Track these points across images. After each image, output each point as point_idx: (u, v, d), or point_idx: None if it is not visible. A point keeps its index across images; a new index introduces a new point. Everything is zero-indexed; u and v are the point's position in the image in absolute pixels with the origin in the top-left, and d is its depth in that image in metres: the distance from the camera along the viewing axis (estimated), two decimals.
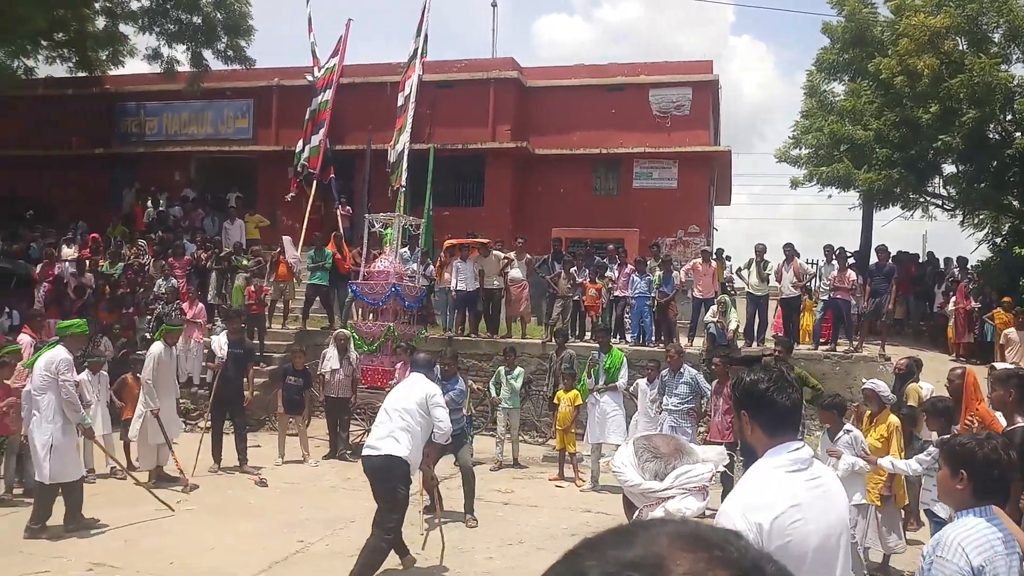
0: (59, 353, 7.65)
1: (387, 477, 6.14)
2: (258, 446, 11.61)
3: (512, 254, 14.80)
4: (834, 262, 13.76)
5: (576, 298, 14.32)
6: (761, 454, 2.50)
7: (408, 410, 6.24)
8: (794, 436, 2.52)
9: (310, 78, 19.76)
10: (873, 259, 15.49)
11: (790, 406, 2.50)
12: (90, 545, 7.24)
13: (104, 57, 21.34)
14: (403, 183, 15.51)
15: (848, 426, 6.83)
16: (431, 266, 15.08)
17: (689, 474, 2.10)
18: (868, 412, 7.40)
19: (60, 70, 21.82)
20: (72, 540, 7.34)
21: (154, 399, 9.73)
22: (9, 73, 19.15)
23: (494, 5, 29.88)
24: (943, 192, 20.23)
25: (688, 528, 0.82)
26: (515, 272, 14.59)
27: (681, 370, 9.72)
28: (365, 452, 6.28)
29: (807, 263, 15.16)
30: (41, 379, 7.53)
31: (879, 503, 6.84)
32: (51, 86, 22.82)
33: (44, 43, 19.69)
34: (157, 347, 10.03)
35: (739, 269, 14.54)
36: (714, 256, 15.17)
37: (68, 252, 16.03)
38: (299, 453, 11.09)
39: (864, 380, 8.02)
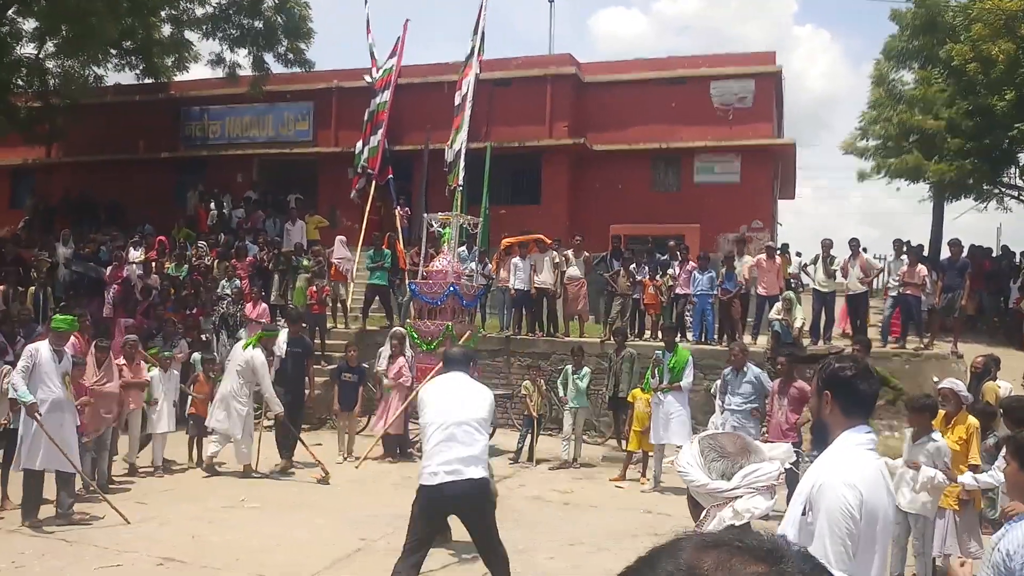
0: (37, 344, 8.02)
1: (482, 505, 5.20)
2: (319, 444, 11.75)
3: (569, 252, 14.70)
4: (904, 257, 13.34)
5: (636, 296, 14.15)
6: (836, 434, 2.73)
7: (482, 420, 5.20)
8: (866, 421, 2.75)
9: (368, 79, 19.95)
10: (945, 253, 14.96)
11: (869, 394, 2.76)
12: (160, 540, 7.40)
13: (170, 63, 21.92)
14: (460, 182, 15.55)
15: (935, 433, 6.52)
16: (489, 265, 15.08)
17: (756, 473, 2.09)
18: (943, 412, 7.10)
19: (128, 77, 22.52)
20: (142, 535, 7.51)
21: (276, 403, 10.13)
22: (82, 81, 19.76)
23: (551, 1, 29.74)
24: (1019, 183, 19.45)
25: (708, 537, 0.90)
26: (572, 270, 14.50)
27: (745, 369, 9.50)
28: (440, 480, 4.98)
29: (874, 258, 14.72)
30: None
31: (957, 507, 6.56)
32: (119, 93, 23.53)
33: (113, 52, 20.29)
34: (260, 355, 10.17)
35: (805, 265, 14.19)
36: (779, 251, 14.80)
37: (135, 254, 16.48)
38: (363, 449, 11.20)
39: (935, 378, 7.72)
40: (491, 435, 5.82)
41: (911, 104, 18.86)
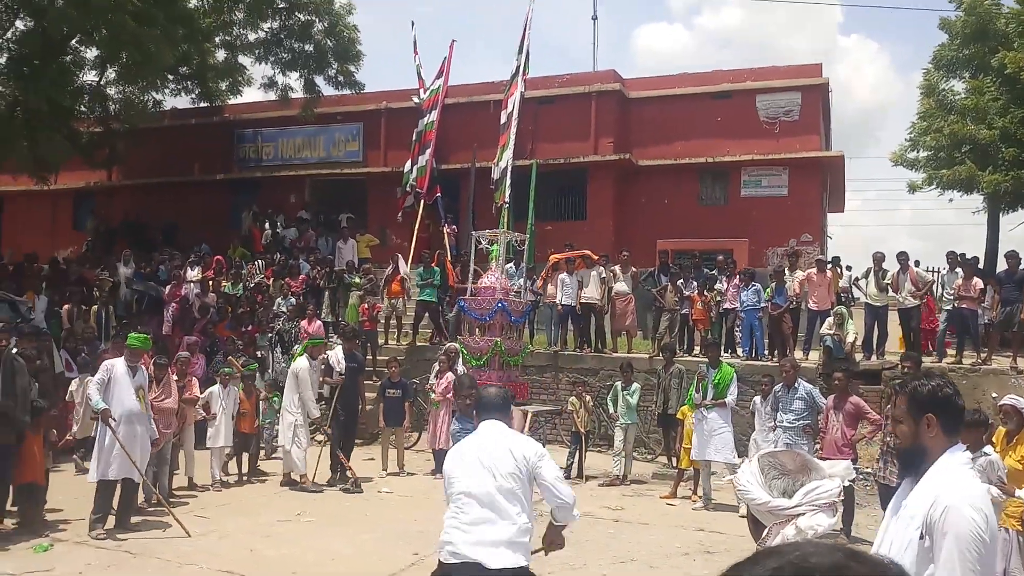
0: (113, 360, 8.44)
1: None
2: (371, 459, 11.94)
3: (616, 268, 14.73)
4: (958, 270, 13.08)
5: (684, 311, 14.11)
6: (937, 455, 2.63)
7: (509, 490, 3.99)
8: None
9: (416, 100, 20.29)
10: (1002, 265, 14.63)
11: (963, 408, 2.74)
12: (219, 553, 7.61)
13: (224, 87, 22.53)
14: (507, 199, 15.71)
15: (987, 448, 6.41)
16: (536, 281, 15.20)
17: (818, 490, 2.11)
18: (1004, 430, 6.97)
19: (184, 101, 23.23)
20: (203, 548, 7.73)
21: (314, 408, 10.61)
22: (141, 107, 20.44)
23: (594, 19, 30.05)
24: None
25: (822, 555, 0.87)
26: (620, 285, 14.52)
27: (796, 385, 9.42)
28: (454, 559, 3.98)
29: (926, 271, 14.46)
30: None
31: (1021, 528, 6.41)
32: (176, 117, 24.26)
33: (170, 77, 20.94)
34: (303, 361, 10.74)
35: (856, 279, 14.01)
36: (829, 265, 14.62)
37: (192, 274, 16.94)
38: (415, 465, 11.36)
39: (995, 395, 7.56)
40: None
41: (963, 114, 18.51)
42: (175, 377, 9.96)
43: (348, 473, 10.55)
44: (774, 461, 2.19)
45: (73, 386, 10.70)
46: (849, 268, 15.76)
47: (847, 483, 2.33)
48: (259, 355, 13.76)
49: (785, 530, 2.06)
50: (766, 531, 2.13)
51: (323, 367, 11.17)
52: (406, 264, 16.17)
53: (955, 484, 2.51)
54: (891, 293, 13.35)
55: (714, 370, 10.37)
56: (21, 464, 7.97)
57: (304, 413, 10.62)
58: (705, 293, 14.02)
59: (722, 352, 12.26)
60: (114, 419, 8.04)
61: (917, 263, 13.45)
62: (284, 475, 10.69)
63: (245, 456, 11.05)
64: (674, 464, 11.35)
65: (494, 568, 3.83)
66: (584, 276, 14.47)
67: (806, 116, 19.44)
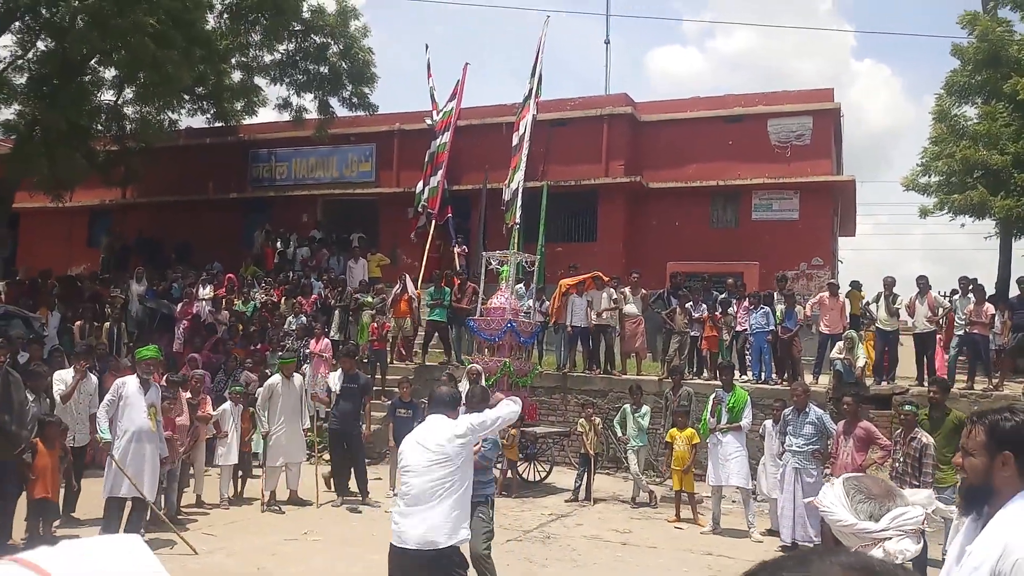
0: (125, 378, 8.39)
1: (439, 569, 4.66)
2: (379, 479, 11.93)
3: (626, 289, 14.75)
4: (970, 295, 13.04)
5: (693, 334, 14.09)
6: (1007, 498, 2.44)
7: (440, 465, 4.65)
8: None
9: (429, 122, 20.46)
10: (1014, 291, 14.57)
11: None
12: (227, 570, 7.62)
13: (239, 108, 22.80)
14: (517, 220, 15.78)
15: None
16: (546, 302, 15.22)
17: (905, 516, 2.14)
18: None
19: (199, 121, 23.51)
20: (210, 565, 7.74)
21: (263, 423, 10.51)
22: (157, 126, 20.70)
23: (607, 42, 30.16)
24: None
25: (860, 560, 0.86)
26: (630, 307, 14.53)
27: (807, 410, 9.39)
28: (394, 540, 4.76)
29: (939, 295, 14.41)
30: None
31: None
32: (191, 136, 24.54)
33: (187, 97, 21.21)
34: (275, 378, 10.79)
35: (867, 303, 13.97)
36: (841, 289, 14.56)
37: (205, 292, 17.07)
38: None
39: None
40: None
41: (975, 139, 18.49)
42: (187, 395, 10.04)
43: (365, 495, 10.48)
44: (859, 485, 2.24)
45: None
46: (861, 287, 15.59)
47: (931, 511, 2.31)
48: (268, 373, 13.79)
49: (872, 552, 2.09)
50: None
51: (325, 388, 11.21)
52: (414, 285, 16.22)
53: None
54: (903, 317, 13.29)
55: (728, 393, 10.34)
56: (34, 480, 8.00)
57: (285, 429, 10.56)
58: (717, 314, 13.99)
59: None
60: (117, 445, 8.06)
61: (941, 292, 13.37)
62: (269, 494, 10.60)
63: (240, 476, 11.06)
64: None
65: (418, 549, 4.49)
66: (595, 297, 14.49)
67: (817, 140, 19.49)
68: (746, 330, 13.75)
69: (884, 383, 13.01)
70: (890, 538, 2.11)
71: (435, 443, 4.64)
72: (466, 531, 4.74)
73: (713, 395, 10.64)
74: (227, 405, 10.71)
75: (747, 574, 0.87)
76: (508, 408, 4.98)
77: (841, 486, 2.25)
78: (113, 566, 0.91)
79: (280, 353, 13.45)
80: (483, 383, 11.71)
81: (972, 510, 2.57)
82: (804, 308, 13.83)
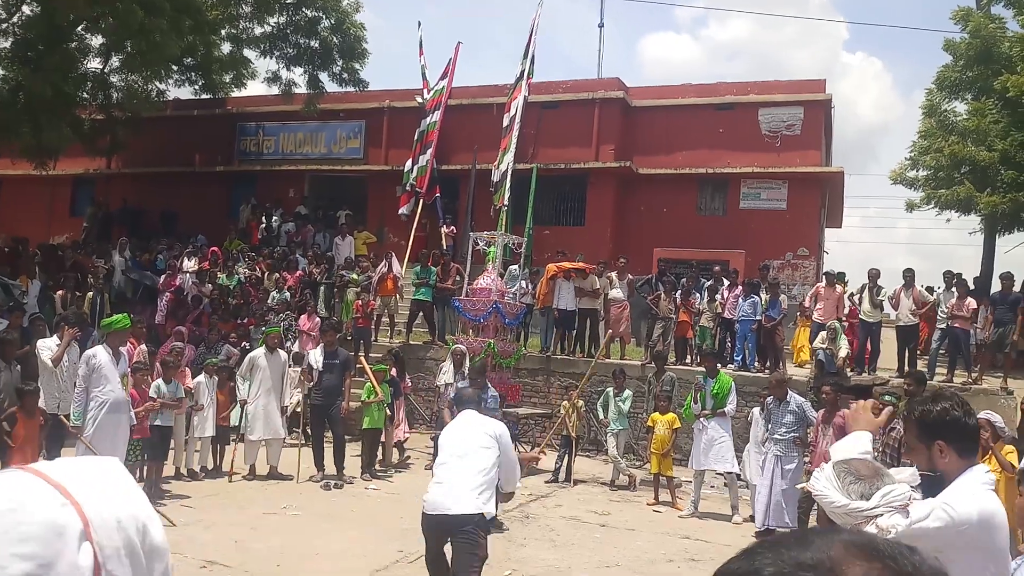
0: (93, 350, 8.26)
1: (460, 537, 5.21)
2: (358, 455, 11.91)
3: (613, 274, 14.74)
4: (953, 289, 13.12)
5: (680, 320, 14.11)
6: (954, 479, 2.55)
7: (480, 458, 5.33)
8: (977, 457, 2.67)
9: (420, 100, 20.32)
10: (996, 286, 14.67)
11: (976, 428, 2.66)
12: (204, 543, 7.59)
13: (227, 80, 22.56)
14: (505, 202, 15.74)
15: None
16: (535, 288, 15.19)
17: (893, 493, 2.27)
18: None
19: (187, 92, 23.23)
20: (188, 538, 7.71)
21: (241, 391, 10.64)
22: (144, 96, 20.44)
23: (600, 26, 30.01)
24: None
25: (863, 538, 0.85)
26: (615, 292, 14.53)
27: (788, 399, 9.44)
28: (426, 510, 5.32)
29: (923, 289, 14.49)
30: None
31: None
32: (178, 107, 24.26)
33: (175, 68, 20.94)
34: (258, 351, 10.89)
35: (851, 295, 14.03)
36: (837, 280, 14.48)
37: (189, 264, 16.94)
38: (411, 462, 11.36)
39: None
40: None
41: (963, 135, 18.60)
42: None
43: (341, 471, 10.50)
44: (848, 468, 2.34)
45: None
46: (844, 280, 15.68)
47: (915, 486, 2.43)
48: (248, 348, 13.70)
49: (866, 529, 2.18)
50: None
51: (305, 366, 11.20)
52: (399, 263, 16.15)
53: (971, 497, 2.44)
54: (887, 309, 13.36)
55: (712, 380, 10.38)
56: (12, 449, 7.93)
57: (265, 403, 10.61)
58: (691, 299, 14.00)
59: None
60: (94, 416, 8.01)
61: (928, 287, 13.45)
62: (249, 467, 10.64)
63: (219, 447, 11.04)
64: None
65: (454, 514, 5.08)
66: (583, 284, 14.46)
67: (808, 131, 19.51)
68: (732, 317, 13.78)
69: (865, 374, 13.09)
70: (881, 515, 2.22)
71: (482, 431, 5.41)
72: (492, 504, 5.39)
73: (695, 382, 10.70)
74: (202, 377, 10.64)
75: (745, 551, 0.86)
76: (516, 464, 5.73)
77: (832, 470, 2.35)
78: (107, 478, 0.99)
79: (264, 328, 13.39)
80: (467, 363, 11.73)
81: (931, 494, 2.67)
82: (804, 300, 13.84)
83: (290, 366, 11.50)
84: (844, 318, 14.28)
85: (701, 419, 10.20)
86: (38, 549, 0.87)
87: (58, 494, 0.92)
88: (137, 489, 1.01)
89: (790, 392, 9.58)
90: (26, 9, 18.60)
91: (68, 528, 0.90)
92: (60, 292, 14.47)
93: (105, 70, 20.32)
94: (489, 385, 10.01)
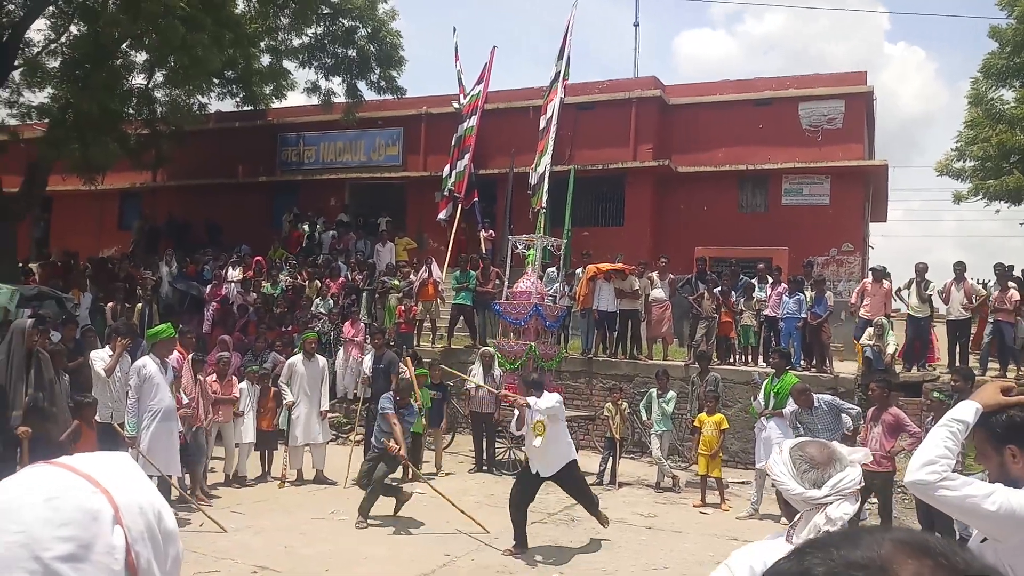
0: (142, 360, 8.44)
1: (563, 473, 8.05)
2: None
3: (654, 274, 14.65)
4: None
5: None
6: None
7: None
8: None
9: (456, 105, 20.42)
10: None
11: None
12: (254, 548, 7.72)
13: (268, 91, 22.88)
14: (543, 204, 15.72)
15: None
16: (575, 287, 15.16)
17: (844, 480, 2.30)
18: None
19: (228, 104, 23.63)
20: (238, 543, 7.85)
21: (287, 394, 10.81)
22: (187, 110, 20.85)
23: (636, 25, 29.97)
24: None
25: (913, 536, 0.85)
26: (657, 292, 14.43)
27: (815, 405, 9.33)
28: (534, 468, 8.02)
29: (975, 282, 14.15)
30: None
31: None
32: (220, 120, 24.70)
33: (216, 81, 21.31)
34: (296, 358, 11.04)
35: (899, 289, 13.77)
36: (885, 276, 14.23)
37: (233, 274, 17.23)
38: (450, 466, 11.41)
39: None
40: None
41: (1012, 123, 18.11)
42: (213, 376, 10.19)
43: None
44: (803, 455, 2.37)
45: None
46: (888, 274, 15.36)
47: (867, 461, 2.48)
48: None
49: (816, 518, 2.26)
50: (798, 516, 2.34)
51: (359, 373, 11.34)
52: (439, 268, 16.26)
53: None
54: (936, 304, 13.09)
55: (778, 379, 10.24)
56: None
57: (305, 409, 10.74)
58: (731, 299, 13.87)
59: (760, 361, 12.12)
60: (147, 424, 8.21)
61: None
62: (296, 472, 10.80)
63: (267, 453, 11.19)
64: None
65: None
66: (623, 284, 14.38)
67: (849, 124, 19.20)
68: (776, 315, 13.61)
69: (914, 370, 12.84)
70: (832, 503, 2.27)
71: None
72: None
73: (752, 381, 10.64)
74: (243, 384, 10.83)
75: (795, 551, 0.87)
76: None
77: (788, 455, 2.39)
78: (124, 470, 1.08)
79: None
80: (496, 366, 11.86)
81: None
82: (850, 298, 13.62)
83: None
84: (892, 314, 14.04)
85: (762, 419, 10.10)
86: (77, 532, 0.97)
87: (88, 483, 1.02)
88: (148, 480, 1.10)
89: (813, 396, 9.46)
90: (73, 29, 19.10)
91: (102, 513, 1.00)
92: (110, 304, 14.82)
93: (149, 86, 20.75)
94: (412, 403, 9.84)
